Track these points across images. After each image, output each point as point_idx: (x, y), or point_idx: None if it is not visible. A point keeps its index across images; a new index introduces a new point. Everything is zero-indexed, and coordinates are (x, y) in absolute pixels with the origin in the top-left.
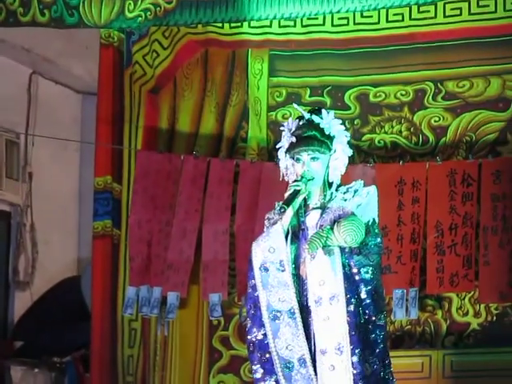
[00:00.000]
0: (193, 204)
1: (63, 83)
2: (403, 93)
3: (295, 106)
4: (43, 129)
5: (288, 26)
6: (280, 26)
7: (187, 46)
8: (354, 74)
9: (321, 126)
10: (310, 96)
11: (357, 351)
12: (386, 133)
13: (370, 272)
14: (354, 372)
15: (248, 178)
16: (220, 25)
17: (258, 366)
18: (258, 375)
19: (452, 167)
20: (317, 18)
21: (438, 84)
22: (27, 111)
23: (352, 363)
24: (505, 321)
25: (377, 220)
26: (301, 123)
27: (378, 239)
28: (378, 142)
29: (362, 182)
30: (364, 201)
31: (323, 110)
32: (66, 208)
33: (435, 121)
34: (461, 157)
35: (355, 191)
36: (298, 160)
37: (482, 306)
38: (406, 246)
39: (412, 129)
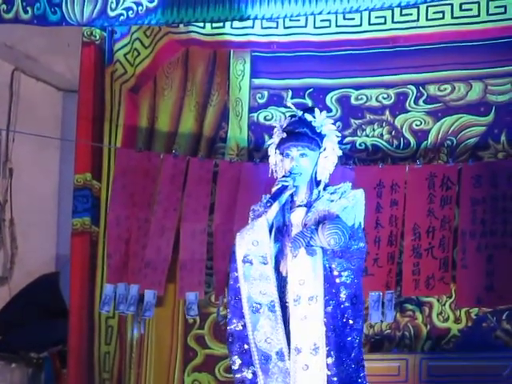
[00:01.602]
0: (171, 203)
1: (45, 80)
2: (385, 96)
3: (289, 104)
4: (24, 125)
5: (270, 28)
6: (262, 28)
7: (168, 46)
8: (335, 76)
9: (312, 123)
10: (291, 98)
11: (332, 353)
12: (367, 136)
13: (351, 276)
14: (329, 373)
15: (227, 178)
16: (202, 25)
17: (236, 356)
18: (236, 366)
19: (431, 170)
20: (299, 20)
21: (420, 87)
22: (8, 108)
23: (327, 365)
24: (483, 327)
25: (362, 224)
26: (292, 120)
27: (361, 244)
28: (359, 144)
29: (350, 184)
30: (350, 204)
31: (316, 109)
32: (45, 204)
33: (416, 124)
34: (442, 161)
35: (342, 193)
36: (287, 155)
37: (463, 311)
38: (383, 248)
39: (393, 132)
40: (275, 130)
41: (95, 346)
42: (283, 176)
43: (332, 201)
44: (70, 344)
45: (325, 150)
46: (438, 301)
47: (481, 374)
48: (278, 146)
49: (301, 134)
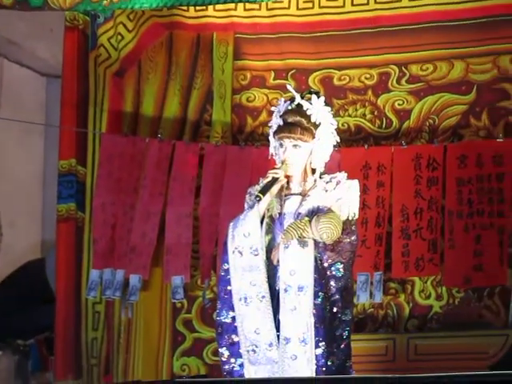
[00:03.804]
0: (157, 187)
1: (28, 66)
2: (367, 76)
3: (289, 87)
4: (8, 111)
5: (253, 10)
6: (245, 10)
7: (152, 29)
8: (318, 57)
9: (308, 112)
10: (274, 79)
11: (321, 344)
12: (349, 116)
13: (342, 269)
14: (317, 364)
15: (212, 162)
16: (185, 8)
17: (225, 348)
18: (224, 358)
19: (417, 151)
20: (282, 2)
21: (402, 67)
22: None
23: (315, 355)
24: (468, 304)
25: (356, 216)
26: (289, 107)
27: (353, 237)
28: (342, 125)
29: (346, 174)
30: (344, 195)
31: (313, 96)
32: (30, 191)
33: (399, 104)
34: (424, 140)
35: (337, 183)
36: (281, 145)
37: (444, 288)
38: (370, 229)
39: (376, 112)
40: (274, 114)
41: (82, 332)
42: (273, 168)
43: (327, 191)
44: (56, 330)
45: (319, 139)
46: (420, 278)
47: (467, 352)
48: (275, 133)
49: (295, 124)
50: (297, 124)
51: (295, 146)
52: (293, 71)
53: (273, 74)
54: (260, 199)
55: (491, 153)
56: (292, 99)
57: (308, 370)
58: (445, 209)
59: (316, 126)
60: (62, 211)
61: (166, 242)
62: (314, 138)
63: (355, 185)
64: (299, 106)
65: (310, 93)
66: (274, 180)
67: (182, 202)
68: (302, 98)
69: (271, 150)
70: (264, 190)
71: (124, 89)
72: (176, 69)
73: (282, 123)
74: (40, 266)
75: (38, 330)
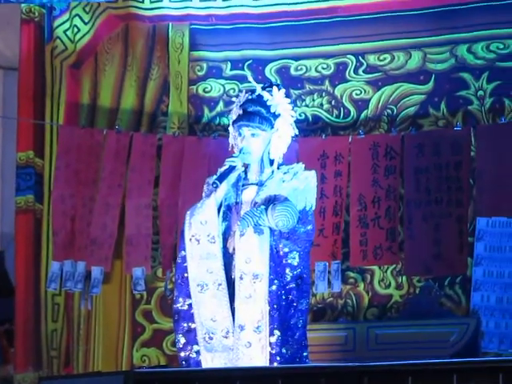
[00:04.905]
0: (116, 179)
1: None
2: (324, 66)
3: (250, 79)
4: None
5: (209, 0)
6: (200, 0)
7: (108, 21)
8: (274, 47)
9: (268, 103)
10: (230, 70)
11: (275, 332)
12: (307, 106)
13: (297, 257)
14: (271, 352)
15: (170, 152)
16: None
17: (181, 335)
18: (180, 345)
19: (375, 140)
20: None
21: (359, 57)
22: None
23: (270, 343)
24: (429, 293)
25: (313, 207)
26: (249, 97)
27: (309, 227)
28: (299, 115)
29: (303, 165)
30: (301, 186)
31: (274, 88)
32: None
33: (356, 94)
34: (382, 130)
35: (294, 174)
36: (239, 134)
37: (404, 278)
38: (328, 219)
39: (333, 102)
40: (234, 104)
41: (42, 324)
42: (230, 156)
43: (284, 181)
44: (16, 322)
45: (277, 130)
46: (380, 268)
47: (428, 341)
48: (234, 123)
49: (254, 113)
50: (256, 113)
51: (253, 134)
52: (249, 62)
53: (229, 64)
54: (217, 186)
55: (449, 141)
56: (253, 90)
57: (262, 358)
58: (403, 198)
59: (275, 116)
60: (20, 203)
61: (126, 234)
62: (272, 128)
63: (313, 175)
64: (259, 96)
65: (271, 85)
66: (232, 168)
67: (140, 193)
68: (263, 89)
69: (230, 140)
70: (221, 178)
71: (81, 81)
72: (132, 60)
73: (241, 112)
74: None
75: None
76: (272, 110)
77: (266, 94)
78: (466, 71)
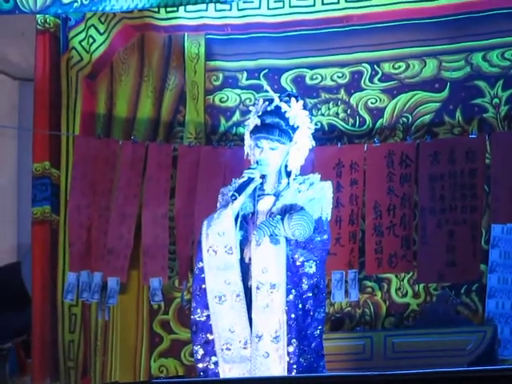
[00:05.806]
0: (131, 189)
1: (0, 70)
2: (340, 75)
3: (267, 87)
4: None
5: (224, 10)
6: (216, 10)
7: (123, 31)
8: (290, 56)
9: (286, 115)
10: (246, 79)
11: (293, 341)
12: (322, 115)
13: (314, 267)
14: (289, 362)
15: (186, 162)
16: (156, 9)
17: (199, 346)
18: (198, 356)
19: (390, 149)
20: (252, 2)
21: (375, 66)
22: None
23: (287, 353)
24: (446, 301)
25: (329, 217)
26: (268, 108)
27: (325, 236)
28: (315, 124)
29: (319, 176)
30: (317, 196)
31: (293, 99)
32: (4, 194)
33: (372, 102)
34: (398, 138)
35: (310, 184)
36: (257, 145)
37: (421, 286)
38: (344, 227)
39: (349, 111)
40: (251, 113)
41: (59, 335)
42: (249, 168)
43: (300, 191)
44: (33, 334)
45: (296, 143)
46: (397, 276)
47: (445, 350)
48: (252, 133)
49: (273, 126)
50: (275, 126)
51: (272, 148)
52: (265, 71)
53: (245, 74)
54: (236, 198)
55: (464, 149)
56: (270, 100)
57: (280, 368)
58: (418, 205)
59: (294, 129)
60: (36, 214)
61: (143, 244)
62: (291, 140)
63: (329, 186)
64: (278, 107)
65: (289, 96)
66: (250, 180)
67: (157, 204)
68: (281, 100)
69: (246, 149)
70: (240, 190)
71: (97, 91)
72: (148, 70)
73: (259, 123)
74: (16, 270)
75: (15, 334)
76: (291, 123)
77: (284, 106)
78: (481, 79)
